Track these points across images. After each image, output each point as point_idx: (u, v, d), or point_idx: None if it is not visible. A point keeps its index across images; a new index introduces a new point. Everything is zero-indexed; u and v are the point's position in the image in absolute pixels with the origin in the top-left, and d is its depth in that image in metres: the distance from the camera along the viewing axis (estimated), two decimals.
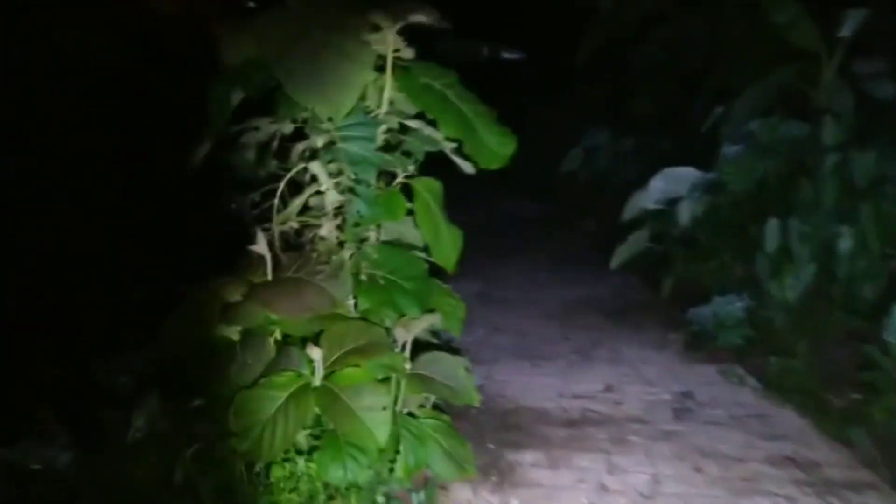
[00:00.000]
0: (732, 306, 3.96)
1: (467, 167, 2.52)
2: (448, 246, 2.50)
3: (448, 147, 2.48)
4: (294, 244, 2.46)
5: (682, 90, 7.14)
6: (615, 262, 5.12)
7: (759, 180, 4.37)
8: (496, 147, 2.44)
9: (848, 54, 5.08)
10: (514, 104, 10.29)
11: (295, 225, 2.45)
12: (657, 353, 4.11)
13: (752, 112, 5.03)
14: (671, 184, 5.01)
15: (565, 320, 4.88)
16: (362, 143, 2.35)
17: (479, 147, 2.40)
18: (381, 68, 2.41)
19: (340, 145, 2.32)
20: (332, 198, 2.29)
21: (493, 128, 2.47)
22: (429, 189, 2.50)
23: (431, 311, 2.45)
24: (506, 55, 6.60)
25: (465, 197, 8.53)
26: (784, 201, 4.25)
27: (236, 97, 2.31)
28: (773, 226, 4.07)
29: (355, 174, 2.33)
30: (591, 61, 7.86)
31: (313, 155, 2.31)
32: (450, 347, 2.75)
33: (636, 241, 5.06)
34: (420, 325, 2.41)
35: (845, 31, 4.99)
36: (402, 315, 2.36)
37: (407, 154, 2.51)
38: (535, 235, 7.43)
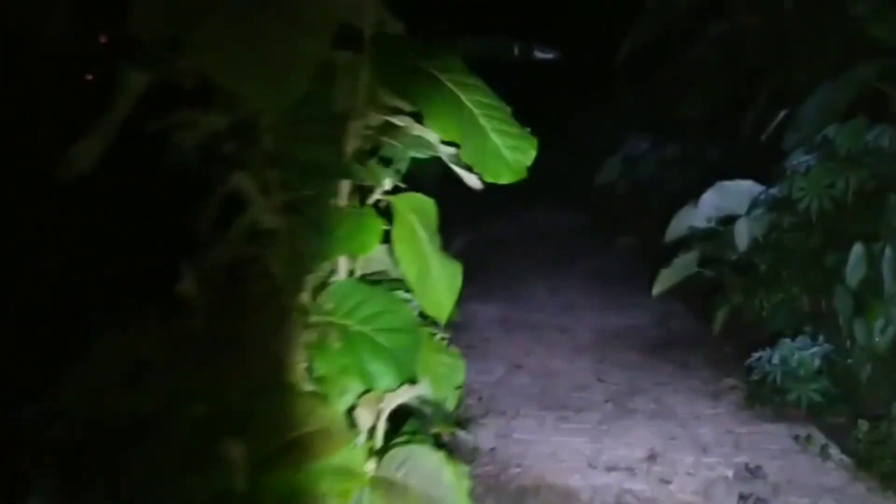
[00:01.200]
0: (806, 353, 3.19)
1: (473, 180, 1.84)
2: (440, 287, 1.81)
3: (445, 153, 1.81)
4: (233, 283, 1.80)
5: (736, 93, 6.34)
6: (658, 288, 4.36)
7: (838, 198, 3.58)
8: (509, 154, 1.74)
9: None
10: (549, 107, 9.56)
11: (236, 256, 1.79)
12: (711, 406, 3.35)
13: (826, 116, 4.24)
14: (726, 199, 4.25)
15: (599, 355, 4.15)
16: (320, 145, 1.69)
17: (485, 153, 1.71)
18: (356, 47, 1.75)
19: (290, 147, 1.66)
20: (268, 221, 1.63)
21: (507, 128, 1.78)
22: (416, 209, 1.82)
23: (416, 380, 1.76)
24: (539, 54, 5.89)
25: (488, 205, 7.82)
26: (869, 224, 3.47)
27: (146, 82, 1.66)
28: (858, 253, 3.29)
29: (309, 187, 1.68)
30: (634, 61, 7.11)
31: (242, 160, 1.64)
32: (444, 419, 2.06)
33: (683, 266, 4.30)
34: (397, 401, 1.74)
35: None
36: (372, 388, 1.69)
37: (387, 161, 1.84)
38: (567, 251, 6.69)
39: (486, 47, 5.86)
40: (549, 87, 8.63)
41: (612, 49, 7.01)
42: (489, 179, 1.71)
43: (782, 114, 4.84)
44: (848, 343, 3.30)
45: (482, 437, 2.92)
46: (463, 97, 1.74)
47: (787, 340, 3.28)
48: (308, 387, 1.67)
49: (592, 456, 2.80)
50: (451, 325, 4.65)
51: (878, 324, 3.15)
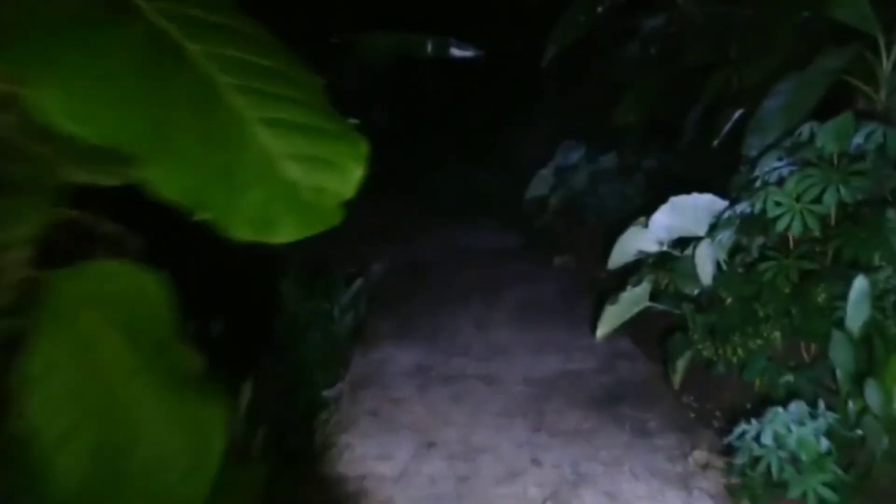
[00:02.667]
0: (806, 429, 2.32)
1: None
2: (162, 464, 0.81)
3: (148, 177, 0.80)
4: None
5: (676, 94, 5.59)
6: (603, 329, 3.47)
7: (825, 215, 2.77)
8: (303, 175, 0.77)
9: None
10: (472, 114, 8.70)
11: None
12: (683, 501, 2.45)
13: (792, 115, 3.45)
14: (682, 218, 3.40)
15: (535, 419, 3.21)
16: None
17: (239, 177, 0.73)
18: None
19: None
20: None
21: (305, 119, 0.81)
22: (105, 297, 0.82)
23: None
24: (456, 52, 4.98)
25: (409, 223, 6.90)
26: (869, 248, 2.65)
27: None
28: (861, 289, 2.46)
29: None
30: (562, 62, 6.29)
31: None
32: None
33: (633, 301, 3.42)
34: None
35: None
36: None
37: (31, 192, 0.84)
38: (497, 275, 5.76)
39: (394, 43, 4.93)
40: (471, 92, 7.79)
41: (538, 49, 6.19)
42: (244, 234, 0.72)
43: (737, 114, 4.06)
44: (851, 405, 2.47)
45: None
46: (193, 51, 0.75)
47: (779, 410, 2.41)
48: None
49: None
50: (354, 382, 3.61)
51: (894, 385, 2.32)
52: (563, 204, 6.23)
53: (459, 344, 4.35)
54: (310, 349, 4.20)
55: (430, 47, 4.98)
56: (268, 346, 4.01)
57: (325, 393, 3.86)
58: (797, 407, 2.41)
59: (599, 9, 5.84)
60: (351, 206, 0.82)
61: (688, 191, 3.54)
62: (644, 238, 3.56)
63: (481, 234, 7.04)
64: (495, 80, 7.43)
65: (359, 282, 4.64)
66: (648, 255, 3.48)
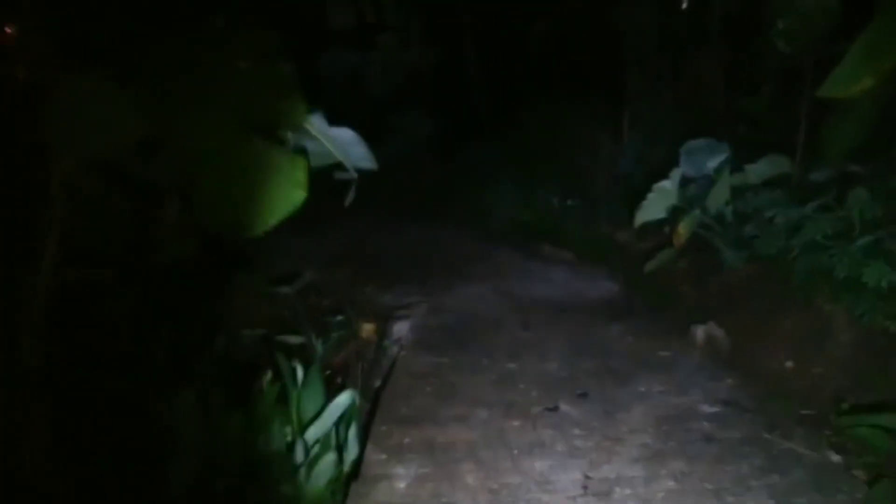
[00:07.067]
0: None
1: None
2: None
3: None
4: None
5: None
6: None
7: None
8: None
9: None
10: (532, 101, 5.93)
11: None
12: None
13: None
14: None
15: None
16: None
17: None
18: None
19: None
20: None
21: None
22: None
23: None
24: None
25: (462, 256, 3.94)
26: None
27: None
28: None
29: None
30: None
31: None
32: None
33: None
34: None
35: None
36: None
37: None
38: (598, 356, 3.17)
39: None
40: (541, 43, 5.24)
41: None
42: None
43: None
44: None
45: None
46: None
47: None
48: None
49: None
50: None
51: None
52: (695, 237, 3.65)
53: None
54: None
55: None
56: None
57: None
58: None
59: None
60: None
61: None
62: None
63: (563, 275, 4.41)
64: (578, 28, 4.88)
65: (345, 395, 2.10)
66: None
